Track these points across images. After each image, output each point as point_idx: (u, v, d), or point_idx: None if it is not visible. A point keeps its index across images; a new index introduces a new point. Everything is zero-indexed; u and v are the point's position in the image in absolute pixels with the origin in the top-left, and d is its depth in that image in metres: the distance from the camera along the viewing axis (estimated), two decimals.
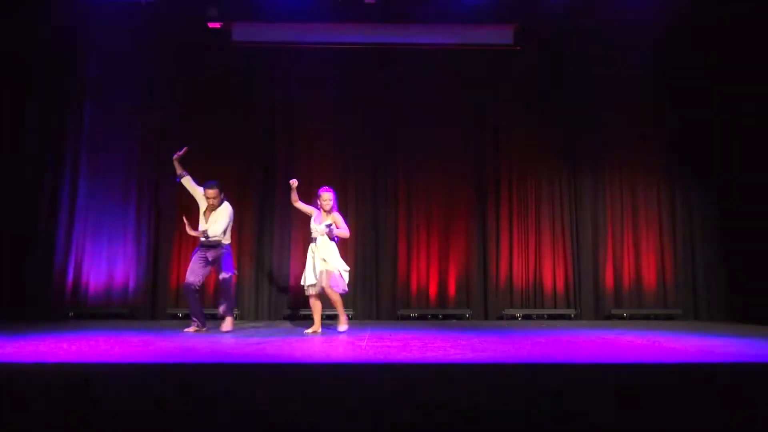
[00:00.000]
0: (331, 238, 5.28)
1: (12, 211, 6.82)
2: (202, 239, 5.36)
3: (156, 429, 2.90)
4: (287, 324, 6.42)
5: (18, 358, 3.42)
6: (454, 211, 7.30)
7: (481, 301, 7.19)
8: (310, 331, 5.25)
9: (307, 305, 7.04)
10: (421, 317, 7.03)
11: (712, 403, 2.99)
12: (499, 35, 7.16)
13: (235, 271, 5.73)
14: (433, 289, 7.19)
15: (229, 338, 4.84)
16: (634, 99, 7.46)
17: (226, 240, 5.45)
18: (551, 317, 7.08)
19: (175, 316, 6.79)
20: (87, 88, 7.25)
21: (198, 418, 2.92)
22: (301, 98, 7.37)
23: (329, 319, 6.85)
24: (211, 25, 7.00)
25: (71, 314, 6.82)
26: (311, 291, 5.30)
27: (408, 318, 7.00)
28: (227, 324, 5.46)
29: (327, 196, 5.33)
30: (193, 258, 5.41)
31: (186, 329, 5.31)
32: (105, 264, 7.04)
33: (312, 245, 5.31)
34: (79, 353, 3.72)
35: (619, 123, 7.43)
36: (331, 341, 4.56)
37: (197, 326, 5.36)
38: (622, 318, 7.00)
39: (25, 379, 3.08)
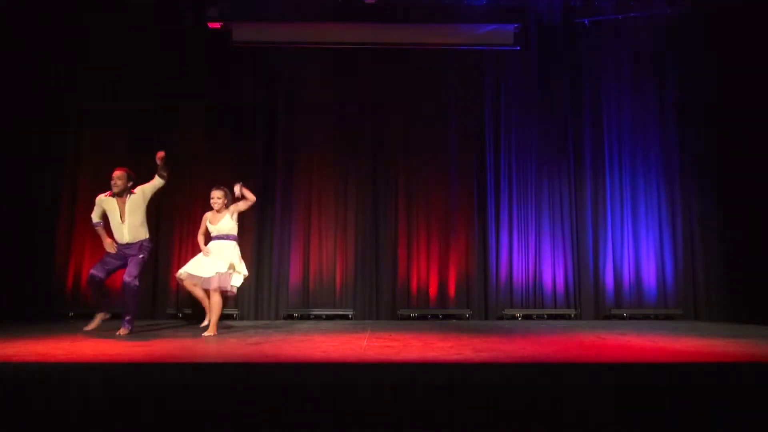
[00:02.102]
0: (242, 196, 5.31)
1: (12, 210, 6.81)
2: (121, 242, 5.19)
3: (156, 429, 2.90)
4: (287, 324, 6.41)
5: (18, 358, 3.42)
6: (454, 210, 7.29)
7: (481, 301, 7.18)
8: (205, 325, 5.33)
9: (307, 304, 7.11)
10: (421, 317, 7.02)
11: (713, 403, 2.99)
12: (500, 35, 7.16)
13: (137, 279, 5.13)
14: (433, 289, 7.19)
15: (230, 338, 4.84)
16: (635, 98, 7.45)
17: (146, 234, 5.30)
18: (551, 317, 7.08)
19: (175, 316, 6.79)
20: (81, 88, 7.21)
21: (198, 417, 2.92)
22: (301, 98, 7.37)
23: (329, 320, 6.86)
24: (211, 25, 6.99)
25: (71, 314, 6.80)
26: (189, 282, 5.39)
27: (408, 318, 6.99)
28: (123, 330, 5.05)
29: (213, 195, 5.35)
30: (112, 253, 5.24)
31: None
32: None
33: (212, 243, 5.32)
34: (79, 353, 3.73)
35: (619, 122, 7.43)
36: (331, 341, 4.55)
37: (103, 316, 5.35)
38: (622, 318, 7.00)
39: (25, 379, 3.08)
